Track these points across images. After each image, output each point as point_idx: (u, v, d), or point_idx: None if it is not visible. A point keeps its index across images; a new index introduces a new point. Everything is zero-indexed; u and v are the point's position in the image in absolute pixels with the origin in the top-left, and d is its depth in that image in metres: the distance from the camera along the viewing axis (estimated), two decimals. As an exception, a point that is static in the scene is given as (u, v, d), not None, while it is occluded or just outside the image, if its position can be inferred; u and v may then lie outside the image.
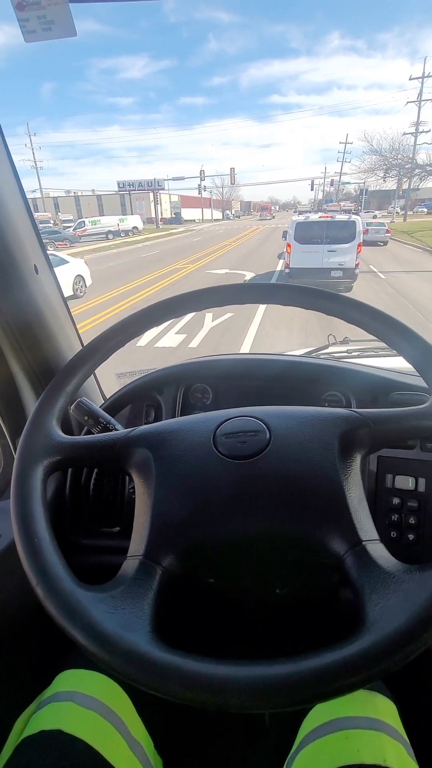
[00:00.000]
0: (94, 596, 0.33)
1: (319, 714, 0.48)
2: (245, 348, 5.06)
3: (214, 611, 0.69)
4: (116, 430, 0.57)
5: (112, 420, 0.58)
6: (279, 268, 11.39)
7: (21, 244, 0.59)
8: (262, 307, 6.94)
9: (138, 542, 0.39)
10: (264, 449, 0.42)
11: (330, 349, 1.11)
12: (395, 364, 0.82)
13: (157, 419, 0.78)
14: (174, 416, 0.77)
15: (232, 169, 39.49)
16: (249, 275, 10.51)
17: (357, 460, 0.42)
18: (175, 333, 5.72)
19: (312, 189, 52.46)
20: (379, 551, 0.35)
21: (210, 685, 0.28)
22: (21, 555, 0.36)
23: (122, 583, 0.35)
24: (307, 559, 0.42)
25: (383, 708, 0.48)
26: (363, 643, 0.29)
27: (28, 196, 0.65)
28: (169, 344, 5.34)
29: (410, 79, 28.72)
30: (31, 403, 0.69)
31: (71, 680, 0.51)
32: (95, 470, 0.73)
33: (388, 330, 0.48)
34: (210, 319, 6.25)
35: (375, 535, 0.37)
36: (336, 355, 1.05)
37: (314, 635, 0.71)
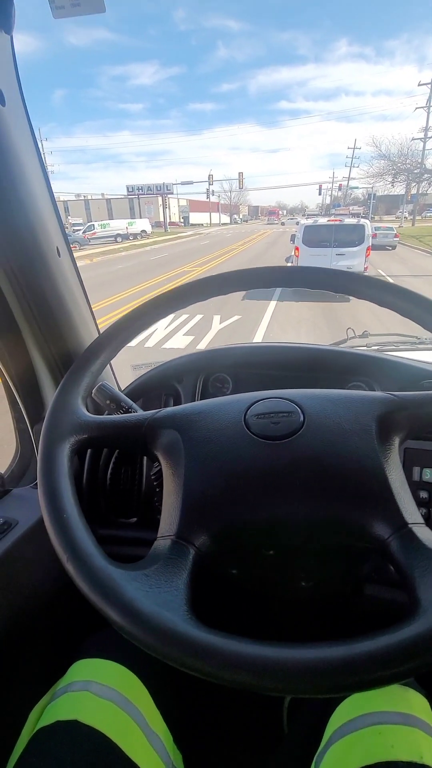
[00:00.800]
0: (127, 574, 0.32)
1: (348, 709, 0.46)
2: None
3: (234, 602, 0.67)
4: None
5: (134, 405, 0.57)
6: (287, 271, 11.35)
7: (45, 227, 0.58)
8: (269, 310, 6.94)
9: (169, 522, 0.37)
10: (298, 430, 0.40)
11: (349, 343, 1.09)
12: (419, 358, 0.80)
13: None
14: None
15: (241, 174, 39.74)
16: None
17: (395, 443, 0.41)
18: (183, 335, 5.73)
19: (320, 193, 52.51)
20: (426, 534, 0.34)
21: (257, 666, 0.26)
22: (50, 530, 0.34)
23: (155, 562, 0.34)
24: (346, 543, 0.40)
25: (416, 703, 0.46)
26: (421, 626, 0.27)
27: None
28: (177, 345, 5.34)
29: (419, 85, 28.72)
30: (49, 388, 0.68)
31: (86, 670, 0.50)
32: (113, 459, 0.72)
33: (425, 313, 0.46)
34: (218, 321, 6.25)
35: (420, 518, 0.35)
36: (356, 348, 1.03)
37: (337, 631, 0.68)
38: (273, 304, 7.47)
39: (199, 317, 6.45)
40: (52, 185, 0.62)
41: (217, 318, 6.41)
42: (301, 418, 0.41)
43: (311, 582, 0.53)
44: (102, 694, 0.46)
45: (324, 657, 0.26)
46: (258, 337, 5.56)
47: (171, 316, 6.49)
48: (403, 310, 0.48)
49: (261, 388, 0.78)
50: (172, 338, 5.58)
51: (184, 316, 6.48)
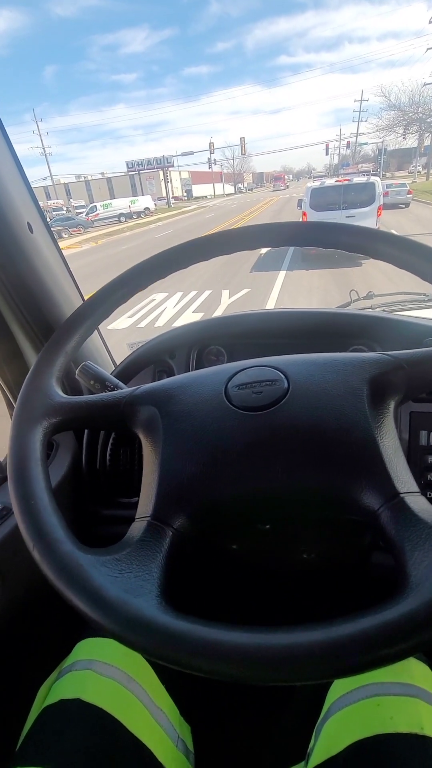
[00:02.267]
0: (96, 559, 0.30)
1: (348, 679, 0.45)
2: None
3: (236, 579, 0.66)
4: None
5: (120, 384, 0.55)
6: (295, 239, 10.99)
7: (12, 203, 0.55)
8: (279, 280, 6.76)
9: (145, 504, 0.36)
10: (282, 398, 0.37)
11: (353, 306, 1.04)
12: (428, 316, 0.75)
13: None
14: None
15: (242, 139, 38.06)
16: (263, 249, 10.22)
17: (390, 407, 0.37)
18: (193, 312, 5.66)
19: (327, 153, 50.07)
20: (420, 504, 0.31)
21: (223, 654, 0.24)
22: (17, 517, 0.33)
23: (128, 546, 0.32)
24: (335, 516, 0.38)
25: (418, 673, 0.45)
26: (407, 606, 0.24)
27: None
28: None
29: (430, 22, 26.50)
30: None
31: (90, 648, 0.50)
32: (111, 439, 0.71)
33: (423, 263, 0.42)
34: (227, 296, 6.14)
35: (414, 486, 0.32)
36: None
37: (345, 605, 0.67)
38: (282, 273, 7.28)
39: (207, 293, 6.35)
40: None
41: (226, 293, 6.30)
42: (286, 385, 0.38)
43: (312, 554, 0.51)
44: (104, 673, 0.46)
45: (301, 642, 0.24)
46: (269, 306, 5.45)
47: (179, 294, 6.41)
48: (400, 260, 0.44)
49: (257, 357, 0.75)
50: (181, 316, 5.52)
51: (193, 293, 6.39)
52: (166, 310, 5.80)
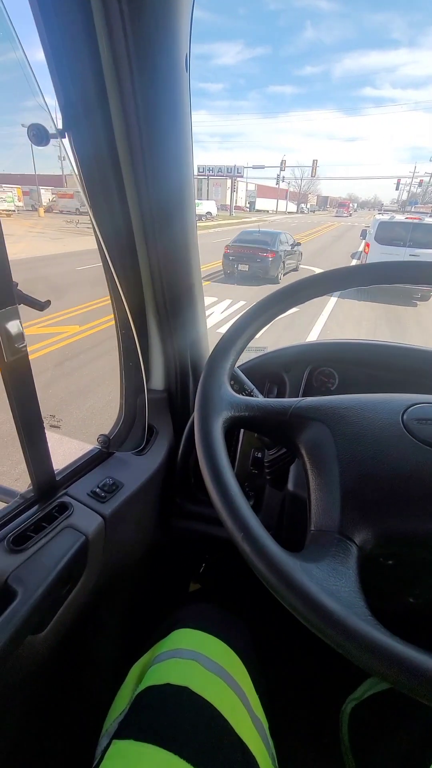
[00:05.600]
0: (301, 564, 0.31)
1: None
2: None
3: None
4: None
5: (255, 389, 0.56)
6: (352, 268, 10.89)
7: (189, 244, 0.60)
8: (328, 308, 6.71)
9: (326, 517, 0.36)
10: None
11: None
12: None
13: (279, 396, 0.75)
14: (297, 396, 0.74)
15: (315, 161, 38.17)
16: (318, 271, 10.16)
17: None
18: (240, 321, 5.68)
19: (397, 188, 49.51)
20: None
21: None
22: (220, 509, 0.34)
23: (322, 555, 0.33)
24: None
25: None
26: None
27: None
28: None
29: None
30: (157, 363, 0.69)
31: (191, 639, 0.50)
32: None
33: None
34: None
35: None
36: None
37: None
38: (333, 300, 7.22)
39: (242, 302, 6.38)
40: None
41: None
42: None
43: (420, 599, 0.50)
44: (210, 668, 0.46)
45: None
46: (315, 331, 5.41)
47: (228, 301, 6.48)
48: None
49: (369, 388, 0.75)
50: (225, 325, 5.56)
51: (241, 303, 6.43)
52: (213, 315, 5.86)
